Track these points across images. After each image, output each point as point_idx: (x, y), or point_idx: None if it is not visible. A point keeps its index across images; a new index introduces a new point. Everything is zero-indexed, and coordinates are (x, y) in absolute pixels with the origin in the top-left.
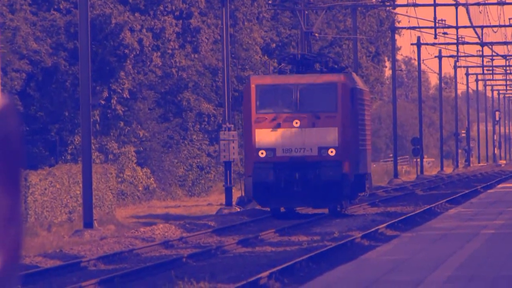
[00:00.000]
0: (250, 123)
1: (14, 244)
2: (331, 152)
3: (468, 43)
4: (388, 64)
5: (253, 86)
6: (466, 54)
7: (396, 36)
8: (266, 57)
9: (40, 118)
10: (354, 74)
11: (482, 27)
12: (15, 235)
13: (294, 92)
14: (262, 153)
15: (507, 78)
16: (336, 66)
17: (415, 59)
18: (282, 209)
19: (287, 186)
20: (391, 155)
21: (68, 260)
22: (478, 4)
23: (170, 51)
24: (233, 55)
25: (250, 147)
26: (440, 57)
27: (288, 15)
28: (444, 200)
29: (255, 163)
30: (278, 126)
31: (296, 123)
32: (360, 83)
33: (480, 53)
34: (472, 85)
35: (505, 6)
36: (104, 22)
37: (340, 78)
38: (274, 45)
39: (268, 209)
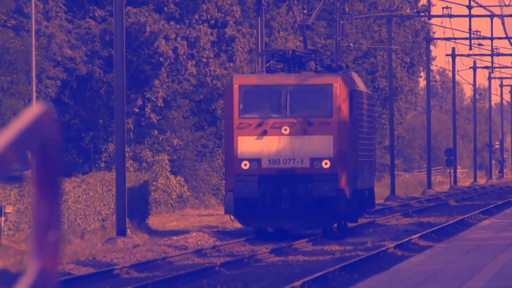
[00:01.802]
0: (232, 129)
1: (52, 251)
2: (325, 164)
3: (503, 54)
4: (422, 74)
5: (235, 86)
6: (501, 65)
7: (431, 47)
8: None
9: (74, 125)
10: (354, 74)
11: None
12: (54, 242)
13: (283, 94)
14: (245, 165)
15: None
16: (333, 65)
17: (449, 70)
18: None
19: (274, 203)
20: (424, 165)
21: (101, 268)
22: None
23: (205, 60)
24: None
25: (231, 157)
26: (474, 68)
27: (323, 24)
28: (478, 211)
29: (237, 175)
30: (264, 133)
31: (285, 130)
32: (361, 85)
33: None
34: (507, 96)
35: None
36: (139, 30)
37: (336, 79)
38: None
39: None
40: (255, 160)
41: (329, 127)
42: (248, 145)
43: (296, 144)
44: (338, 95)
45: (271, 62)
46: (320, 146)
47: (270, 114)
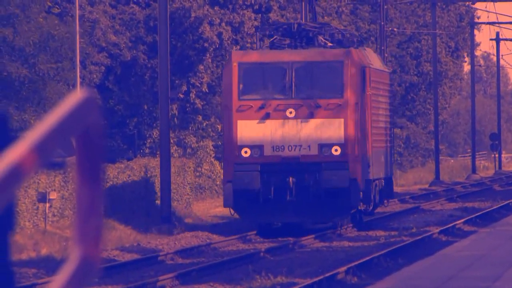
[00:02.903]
0: (231, 112)
1: (95, 238)
2: (335, 150)
3: None
4: (467, 59)
5: (235, 64)
6: None
7: (475, 32)
8: None
9: (119, 111)
10: (369, 50)
11: None
12: (96, 228)
13: (288, 72)
14: (245, 152)
15: None
16: (344, 40)
17: (494, 55)
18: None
19: (278, 195)
20: (469, 150)
21: (146, 254)
22: None
23: (249, 45)
24: None
25: (231, 144)
26: None
27: (367, 9)
28: None
29: (237, 164)
30: (267, 116)
31: (291, 113)
32: (376, 62)
33: None
34: None
35: None
36: (183, 16)
37: (348, 55)
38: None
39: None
40: (256, 147)
41: (339, 109)
42: (249, 130)
43: (302, 129)
44: (349, 73)
45: (275, 37)
46: (329, 130)
47: (274, 95)
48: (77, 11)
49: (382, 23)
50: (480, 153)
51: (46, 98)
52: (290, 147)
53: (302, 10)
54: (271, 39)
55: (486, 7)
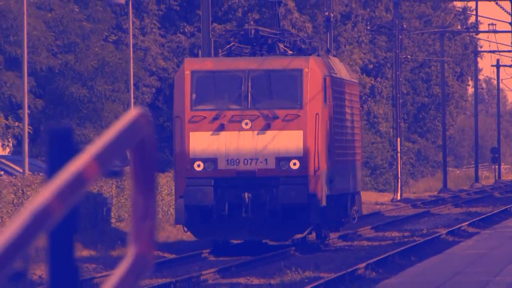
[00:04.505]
0: (183, 123)
1: (149, 237)
2: (294, 164)
3: None
4: (471, 83)
5: (187, 73)
6: None
7: (478, 59)
8: (364, 75)
9: (167, 127)
10: (333, 59)
11: None
12: (150, 229)
13: (244, 81)
14: (198, 166)
15: None
16: (305, 47)
17: (494, 79)
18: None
19: (232, 212)
20: (472, 162)
21: (190, 252)
22: None
23: None
24: None
25: (182, 157)
26: None
27: (384, 39)
28: None
29: (189, 179)
30: (221, 128)
31: (246, 124)
32: (342, 71)
33: None
34: None
35: None
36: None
37: (307, 63)
38: (371, 66)
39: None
40: (210, 161)
41: (298, 121)
42: (202, 142)
43: (259, 141)
44: (310, 82)
45: (232, 44)
46: (287, 143)
47: (228, 106)
48: (131, 40)
49: (397, 51)
50: (482, 164)
51: (103, 116)
52: (246, 161)
53: (328, 40)
54: (228, 46)
55: (488, 37)
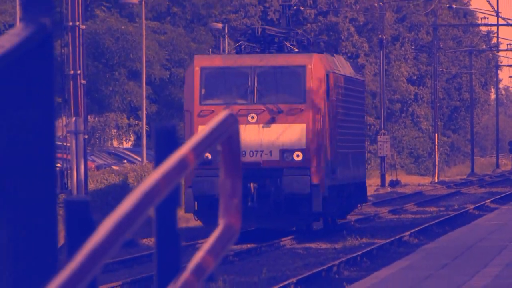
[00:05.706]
0: (192, 117)
1: (235, 212)
2: (297, 156)
3: None
4: (493, 90)
5: (197, 69)
6: None
7: (499, 71)
8: (409, 85)
9: None
10: (338, 57)
11: None
12: (236, 205)
13: (251, 77)
14: (206, 158)
15: None
16: (309, 45)
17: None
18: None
19: None
20: (494, 152)
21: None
22: None
23: None
24: (386, 84)
25: None
26: None
27: (425, 56)
28: None
29: (197, 169)
30: None
31: (252, 118)
32: (345, 69)
33: None
34: None
35: None
36: None
37: (310, 60)
38: (415, 77)
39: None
40: (217, 153)
41: (301, 115)
42: None
43: (264, 134)
44: (312, 78)
45: (241, 42)
46: (291, 136)
47: (235, 100)
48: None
49: (435, 65)
50: (502, 154)
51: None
52: (251, 153)
53: (381, 56)
54: (237, 44)
55: (506, 54)
